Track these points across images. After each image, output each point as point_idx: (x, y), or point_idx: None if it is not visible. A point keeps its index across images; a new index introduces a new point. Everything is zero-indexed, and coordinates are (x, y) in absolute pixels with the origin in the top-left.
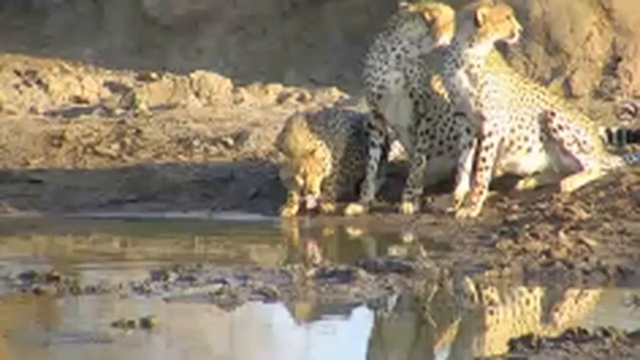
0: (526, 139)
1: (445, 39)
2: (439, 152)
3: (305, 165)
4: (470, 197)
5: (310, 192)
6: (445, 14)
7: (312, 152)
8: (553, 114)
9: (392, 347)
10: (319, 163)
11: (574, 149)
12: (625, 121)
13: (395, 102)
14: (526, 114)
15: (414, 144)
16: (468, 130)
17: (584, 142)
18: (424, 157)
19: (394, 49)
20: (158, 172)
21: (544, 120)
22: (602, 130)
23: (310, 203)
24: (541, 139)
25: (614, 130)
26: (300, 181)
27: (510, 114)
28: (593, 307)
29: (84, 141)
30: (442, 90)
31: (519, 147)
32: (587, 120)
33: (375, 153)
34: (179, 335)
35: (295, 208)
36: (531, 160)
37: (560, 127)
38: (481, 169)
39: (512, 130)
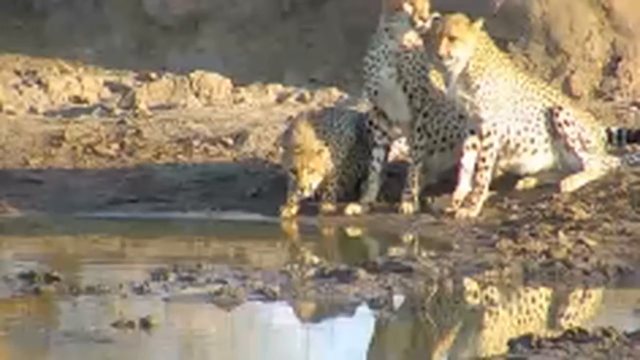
0: (532, 140)
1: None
2: (441, 149)
3: (298, 162)
4: (470, 198)
5: (300, 188)
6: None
7: (319, 152)
8: (561, 108)
9: (392, 347)
10: (319, 163)
11: (577, 145)
12: (627, 120)
13: (392, 98)
14: (532, 114)
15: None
16: (472, 132)
17: (588, 140)
18: (421, 155)
19: (379, 45)
20: (158, 172)
21: (551, 115)
22: (602, 131)
23: (300, 196)
24: (546, 140)
25: (614, 130)
26: (292, 176)
27: (516, 116)
28: (593, 307)
29: (84, 141)
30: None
31: (525, 149)
32: (592, 120)
33: (379, 153)
34: (179, 335)
35: (296, 208)
36: (536, 161)
37: (566, 123)
38: (481, 169)
39: (518, 133)
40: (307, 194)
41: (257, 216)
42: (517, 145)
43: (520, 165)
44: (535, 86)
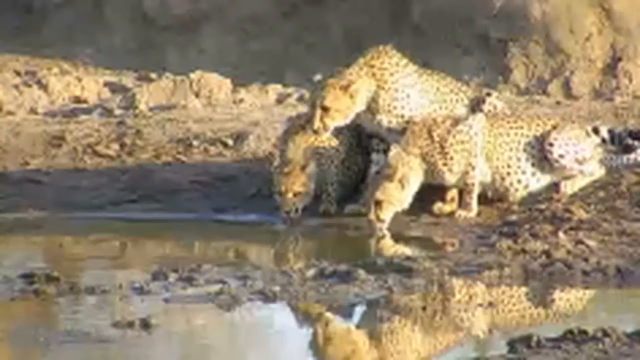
0: (519, 181)
1: None
2: None
3: (283, 185)
4: (464, 199)
5: (285, 212)
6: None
7: (305, 168)
8: (552, 144)
9: (392, 347)
10: (304, 183)
11: (575, 166)
12: (627, 120)
13: (366, 124)
14: (510, 158)
15: None
16: None
17: (583, 158)
18: None
19: None
20: (158, 172)
21: (542, 145)
22: (604, 130)
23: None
24: (533, 164)
25: (615, 130)
26: (278, 198)
27: (495, 164)
28: (593, 307)
29: (84, 141)
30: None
31: (516, 190)
32: (582, 130)
33: (378, 157)
34: (179, 335)
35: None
36: (532, 186)
37: (562, 156)
38: (468, 171)
39: (502, 179)
40: (292, 215)
41: (257, 216)
42: (507, 190)
43: (519, 196)
44: (510, 125)
